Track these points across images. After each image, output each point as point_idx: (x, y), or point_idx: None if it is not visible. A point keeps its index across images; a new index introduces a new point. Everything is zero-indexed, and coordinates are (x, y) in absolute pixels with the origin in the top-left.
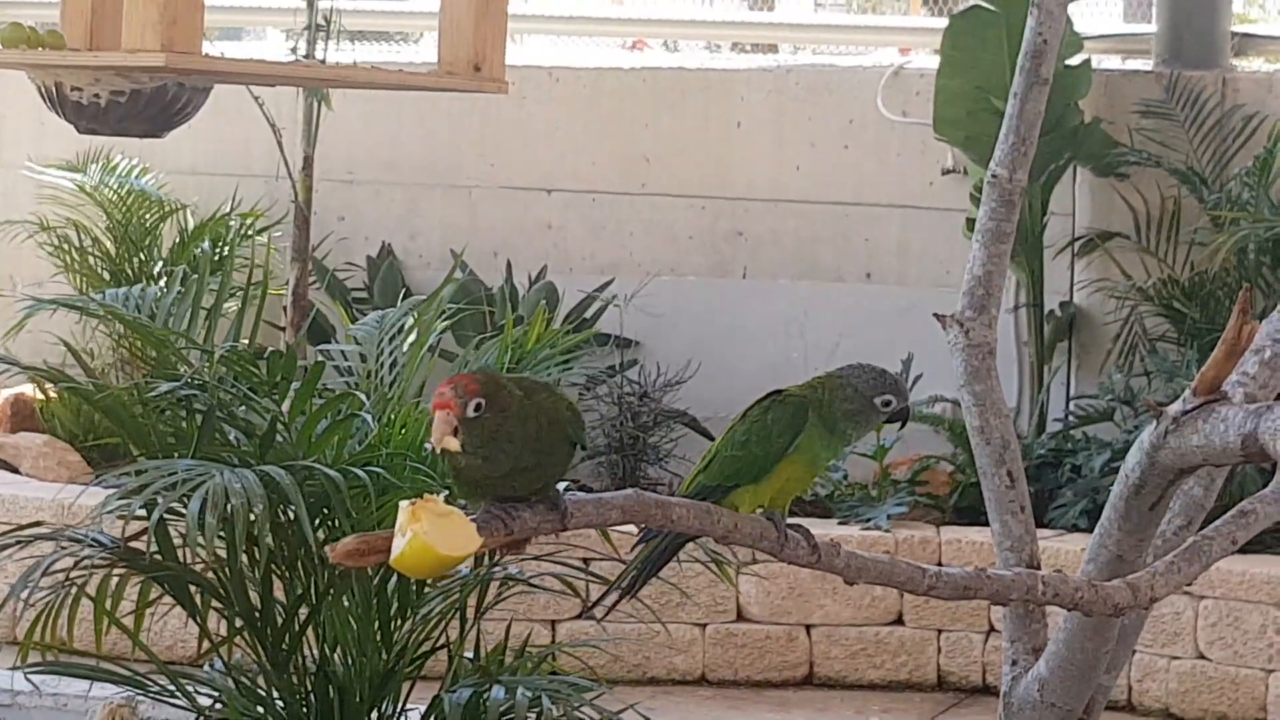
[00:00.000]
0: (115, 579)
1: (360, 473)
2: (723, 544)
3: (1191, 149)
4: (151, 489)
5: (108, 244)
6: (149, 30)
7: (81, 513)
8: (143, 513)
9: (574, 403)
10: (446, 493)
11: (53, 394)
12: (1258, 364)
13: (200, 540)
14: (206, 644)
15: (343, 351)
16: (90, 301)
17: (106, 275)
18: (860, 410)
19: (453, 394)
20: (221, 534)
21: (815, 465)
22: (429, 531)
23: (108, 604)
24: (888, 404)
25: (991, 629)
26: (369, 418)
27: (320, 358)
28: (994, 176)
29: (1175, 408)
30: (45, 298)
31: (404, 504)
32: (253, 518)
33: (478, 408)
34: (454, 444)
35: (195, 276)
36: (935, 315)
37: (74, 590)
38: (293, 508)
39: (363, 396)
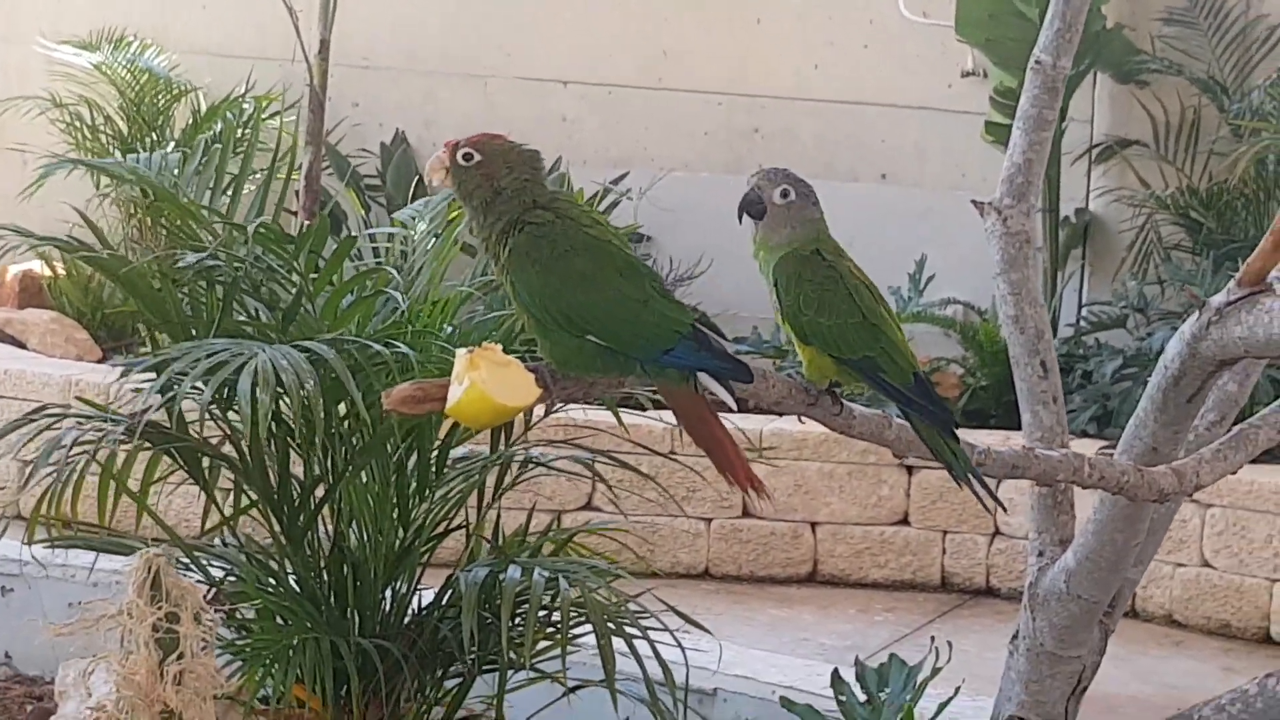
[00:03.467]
0: (123, 454)
1: (385, 349)
2: (776, 409)
3: (1214, 58)
4: (196, 372)
5: (120, 123)
6: None
7: (89, 390)
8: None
9: (649, 270)
10: None
11: (61, 270)
12: None
13: (245, 417)
14: (213, 521)
15: (368, 237)
16: (113, 163)
17: (118, 154)
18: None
19: (457, 140)
20: (236, 409)
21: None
22: (487, 380)
23: (124, 480)
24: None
25: (997, 531)
26: (398, 295)
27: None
28: (1038, 63)
29: (1218, 299)
30: (65, 159)
31: (461, 352)
32: (304, 393)
33: (466, 156)
34: (438, 178)
35: (217, 148)
36: (973, 202)
37: (83, 462)
38: (309, 385)
39: (392, 271)
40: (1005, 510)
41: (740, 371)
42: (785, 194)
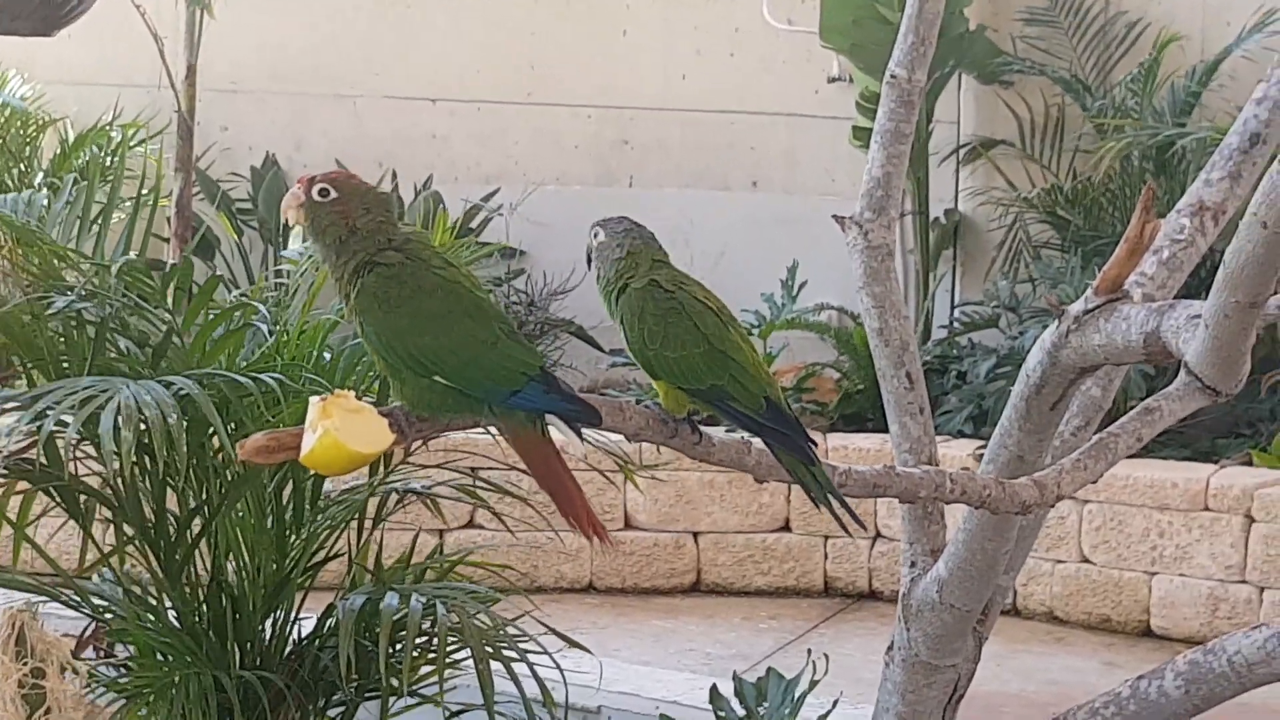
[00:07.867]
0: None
1: (266, 379)
2: (635, 440)
3: (1075, 56)
4: (62, 407)
5: None
6: None
7: None
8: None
9: (498, 312)
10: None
11: None
12: (1156, 264)
13: (116, 455)
14: (92, 556)
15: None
16: None
17: None
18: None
19: (312, 175)
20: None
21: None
22: (340, 428)
23: (1, 511)
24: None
25: (878, 534)
26: (264, 327)
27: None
28: (893, 77)
29: (1077, 307)
30: None
31: (314, 400)
32: (169, 426)
33: (323, 192)
34: (293, 215)
35: (84, 184)
36: (834, 217)
37: None
38: (172, 420)
39: (259, 305)
40: (866, 530)
41: (588, 414)
42: (596, 235)
